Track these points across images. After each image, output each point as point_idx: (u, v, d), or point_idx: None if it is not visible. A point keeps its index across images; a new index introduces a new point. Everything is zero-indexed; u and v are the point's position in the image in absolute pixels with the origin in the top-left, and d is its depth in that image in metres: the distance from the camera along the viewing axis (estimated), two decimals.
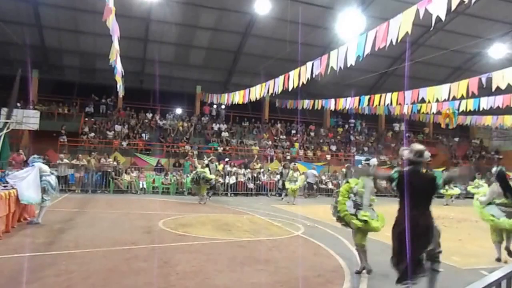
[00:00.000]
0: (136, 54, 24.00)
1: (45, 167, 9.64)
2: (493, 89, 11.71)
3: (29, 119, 16.47)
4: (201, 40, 24.14)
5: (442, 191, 16.11)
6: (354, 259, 6.79)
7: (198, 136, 24.98)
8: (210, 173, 15.33)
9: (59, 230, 8.65)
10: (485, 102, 15.65)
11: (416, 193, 4.47)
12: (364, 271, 6.18)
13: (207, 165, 15.64)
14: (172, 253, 7.00)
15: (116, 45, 9.58)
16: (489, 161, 28.73)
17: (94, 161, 18.43)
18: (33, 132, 18.07)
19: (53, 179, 9.57)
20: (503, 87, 11.35)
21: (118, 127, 23.14)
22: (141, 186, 18.32)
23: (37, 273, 5.49)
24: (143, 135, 23.15)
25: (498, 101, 15.14)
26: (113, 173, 18.26)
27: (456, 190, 18.36)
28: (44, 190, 9.24)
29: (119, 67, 11.33)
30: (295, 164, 17.94)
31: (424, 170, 4.82)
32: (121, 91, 14.90)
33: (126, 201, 15.16)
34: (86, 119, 23.45)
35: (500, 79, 11.33)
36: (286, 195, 17.38)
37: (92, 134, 21.79)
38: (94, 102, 24.82)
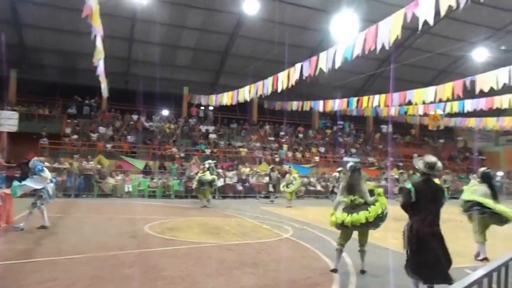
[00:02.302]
0: (121, 54, 23.69)
1: (48, 174, 9.42)
2: (477, 91, 11.85)
3: (6, 120, 16.04)
4: (188, 41, 23.94)
5: None
6: (343, 260, 6.75)
7: (185, 138, 24.72)
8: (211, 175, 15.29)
9: (41, 236, 8.40)
10: (469, 104, 15.85)
11: (430, 202, 4.83)
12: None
13: (208, 169, 15.47)
14: (159, 258, 6.86)
15: (99, 45, 9.37)
16: (473, 162, 29.10)
17: (77, 164, 18.06)
18: (11, 134, 17.55)
19: (51, 187, 9.38)
20: (486, 90, 11.50)
21: (102, 129, 22.74)
22: (126, 190, 17.99)
23: (18, 281, 5.31)
24: (129, 137, 22.78)
25: (482, 103, 15.38)
26: (97, 176, 17.93)
27: None
28: (40, 198, 9.06)
29: (103, 67, 11.10)
30: (290, 167, 17.88)
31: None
32: (105, 92, 14.62)
33: (110, 205, 14.86)
34: (69, 120, 22.92)
35: (483, 82, 11.50)
36: (276, 197, 17.30)
37: (75, 136, 21.29)
38: (77, 103, 24.24)
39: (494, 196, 7.43)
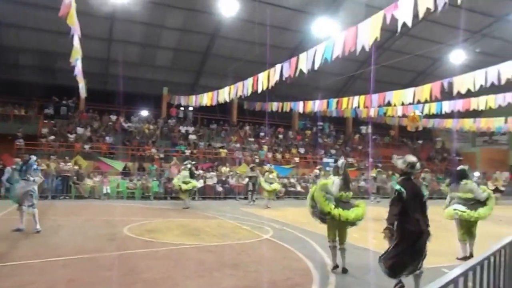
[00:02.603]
0: (100, 54, 23.33)
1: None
2: (454, 93, 12.07)
3: None
4: (168, 41, 23.74)
5: None
6: (323, 261, 6.79)
7: (165, 139, 24.50)
8: (192, 177, 15.19)
9: (17, 239, 8.21)
10: (447, 106, 16.13)
11: (415, 200, 4.96)
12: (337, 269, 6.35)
13: (190, 169, 15.34)
14: (138, 260, 6.77)
15: (76, 44, 9.21)
16: (451, 163, 29.69)
17: (54, 165, 17.70)
18: None
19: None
20: (463, 91, 11.73)
21: (80, 130, 22.34)
22: (104, 191, 17.69)
23: None
24: (107, 138, 22.45)
25: (459, 105, 15.66)
26: (74, 178, 17.61)
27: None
28: (32, 197, 8.99)
29: (80, 67, 10.92)
30: (271, 166, 17.84)
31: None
32: (83, 92, 14.37)
33: (88, 207, 14.61)
34: (46, 121, 22.46)
35: (460, 84, 11.71)
36: (256, 198, 17.27)
37: (52, 137, 20.84)
38: (54, 103, 23.74)
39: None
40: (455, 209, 7.65)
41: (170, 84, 26.53)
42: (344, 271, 6.32)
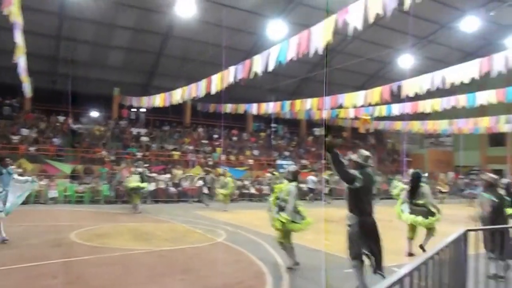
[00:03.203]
0: (48, 52, 22.32)
1: None
2: (403, 96, 12.46)
3: None
4: (120, 40, 23.08)
5: None
6: (276, 263, 6.84)
7: (116, 141, 23.81)
8: (143, 181, 14.78)
9: None
10: (396, 108, 16.62)
11: (369, 193, 5.18)
12: (295, 267, 6.54)
13: (140, 173, 14.95)
14: (86, 267, 6.53)
15: (19, 41, 8.73)
16: (401, 164, 30.79)
17: None
18: None
19: None
20: (411, 94, 12.13)
21: (25, 131, 21.27)
22: (51, 196, 16.90)
23: None
24: (55, 139, 21.51)
25: (407, 107, 16.18)
26: None
27: None
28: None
29: (24, 65, 10.37)
30: (225, 169, 17.74)
31: None
32: (28, 92, 13.66)
33: (33, 212, 13.89)
34: None
35: (409, 87, 12.10)
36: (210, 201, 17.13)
37: None
38: None
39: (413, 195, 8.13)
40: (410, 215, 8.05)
41: (121, 84, 25.83)
42: (290, 268, 6.60)
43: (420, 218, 7.89)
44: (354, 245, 5.06)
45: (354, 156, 5.34)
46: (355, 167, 5.22)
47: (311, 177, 21.30)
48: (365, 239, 5.01)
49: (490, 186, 6.70)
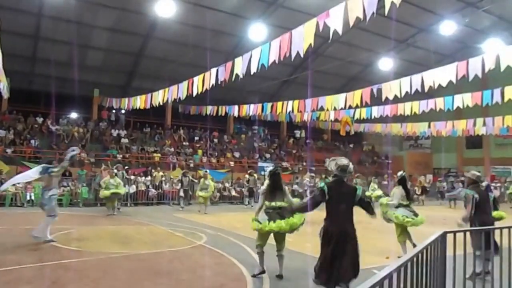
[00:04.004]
0: (25, 52, 21.92)
1: None
2: (383, 99, 12.58)
3: None
4: (99, 41, 22.78)
5: None
6: (257, 265, 6.76)
7: (95, 143, 23.48)
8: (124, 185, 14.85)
9: None
10: (376, 111, 16.78)
11: (341, 203, 4.93)
12: (262, 275, 6.31)
13: (116, 175, 14.80)
14: (63, 272, 6.37)
15: None
16: (381, 166, 31.19)
17: None
18: None
19: None
20: (391, 97, 12.25)
21: (1, 132, 20.78)
22: (28, 198, 16.54)
23: None
24: (32, 141, 21.07)
25: (387, 110, 16.35)
26: None
27: None
28: None
29: (1, 65, 10.14)
30: (206, 172, 17.61)
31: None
32: (5, 92, 13.36)
33: (9, 215, 13.61)
34: None
35: (388, 90, 12.21)
36: (189, 203, 16.98)
37: None
38: None
39: (408, 197, 8.19)
40: (403, 215, 8.04)
41: (101, 85, 25.50)
42: (280, 277, 6.29)
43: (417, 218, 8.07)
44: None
45: (332, 165, 5.15)
46: (333, 177, 5.19)
47: (307, 180, 21.38)
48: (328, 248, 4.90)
49: (473, 183, 6.76)
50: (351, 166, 5.16)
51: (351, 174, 5.38)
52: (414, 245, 7.65)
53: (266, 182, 6.83)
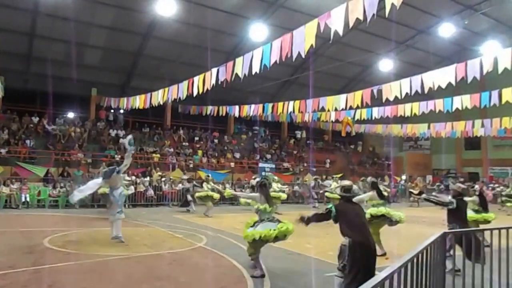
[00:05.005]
0: (21, 50, 21.64)
1: None
2: (383, 100, 12.54)
3: None
4: (97, 39, 22.53)
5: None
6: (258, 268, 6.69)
7: (93, 143, 23.28)
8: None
9: None
10: (376, 112, 16.75)
11: (353, 221, 4.99)
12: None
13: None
14: (59, 275, 6.24)
15: None
16: (381, 167, 31.21)
17: None
18: None
19: None
20: (391, 98, 12.21)
21: None
22: (23, 200, 16.29)
23: None
24: (27, 141, 20.80)
25: (387, 111, 16.33)
26: None
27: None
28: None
29: None
30: (208, 176, 17.56)
31: None
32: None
33: (4, 217, 13.40)
34: None
35: (388, 91, 12.18)
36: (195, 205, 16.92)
37: None
38: None
39: (382, 198, 8.38)
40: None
41: (99, 84, 25.30)
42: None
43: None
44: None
45: (337, 190, 5.42)
46: (340, 199, 5.39)
47: (328, 181, 21.30)
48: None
49: (459, 195, 7.15)
50: (355, 186, 5.44)
51: (357, 194, 5.62)
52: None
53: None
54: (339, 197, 5.43)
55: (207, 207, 15.65)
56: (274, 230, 6.25)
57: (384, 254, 7.75)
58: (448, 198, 7.40)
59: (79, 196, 9.67)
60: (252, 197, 7.14)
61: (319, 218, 5.25)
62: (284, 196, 16.66)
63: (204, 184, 16.28)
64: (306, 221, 5.31)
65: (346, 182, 5.44)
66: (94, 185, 9.48)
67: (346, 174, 24.85)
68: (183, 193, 17.92)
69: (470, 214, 8.69)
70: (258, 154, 27.44)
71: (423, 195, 7.87)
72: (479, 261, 4.62)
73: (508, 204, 19.43)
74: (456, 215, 6.87)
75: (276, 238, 6.38)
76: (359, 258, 4.74)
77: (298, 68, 26.64)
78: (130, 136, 9.85)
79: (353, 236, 4.87)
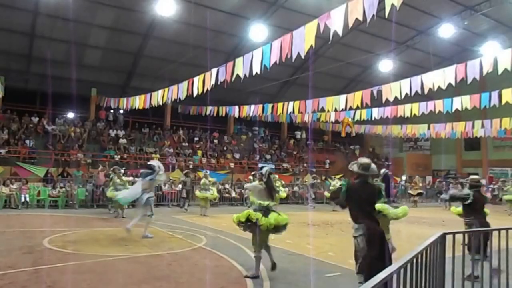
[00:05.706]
0: (21, 50, 21.63)
1: None
2: (383, 100, 12.54)
3: None
4: (97, 39, 22.53)
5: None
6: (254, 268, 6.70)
7: (93, 143, 23.27)
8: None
9: None
10: (376, 112, 16.76)
11: (365, 203, 4.89)
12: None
13: (124, 174, 14.83)
14: (59, 275, 6.22)
15: None
16: (380, 167, 31.10)
17: None
18: None
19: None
20: (391, 99, 12.21)
21: None
22: (23, 200, 16.20)
23: None
24: (27, 141, 20.78)
25: (387, 111, 16.34)
26: None
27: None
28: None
29: None
30: (207, 172, 17.46)
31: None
32: None
33: (3, 217, 13.33)
34: None
35: (388, 91, 12.19)
36: (189, 205, 16.86)
37: None
38: None
39: (388, 195, 8.24)
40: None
41: (98, 85, 25.29)
42: (274, 267, 6.49)
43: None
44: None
45: (354, 166, 5.09)
46: (355, 178, 5.09)
47: (310, 182, 21.35)
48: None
49: (474, 188, 6.98)
50: (373, 165, 5.12)
51: (375, 173, 5.33)
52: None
53: (256, 182, 7.19)
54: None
55: (205, 207, 15.67)
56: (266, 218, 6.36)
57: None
58: (465, 190, 7.33)
59: (127, 201, 11.68)
60: (254, 186, 7.12)
61: (333, 194, 5.22)
62: (283, 194, 16.66)
63: (203, 180, 16.24)
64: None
65: (365, 160, 5.13)
66: (137, 188, 10.51)
67: (346, 174, 24.83)
68: (182, 190, 17.89)
69: None
70: (258, 154, 27.42)
71: (443, 196, 7.73)
72: (487, 259, 4.62)
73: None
74: (474, 207, 6.80)
75: (276, 228, 6.45)
76: (372, 243, 4.67)
77: (298, 68, 26.64)
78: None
79: (364, 221, 4.78)
